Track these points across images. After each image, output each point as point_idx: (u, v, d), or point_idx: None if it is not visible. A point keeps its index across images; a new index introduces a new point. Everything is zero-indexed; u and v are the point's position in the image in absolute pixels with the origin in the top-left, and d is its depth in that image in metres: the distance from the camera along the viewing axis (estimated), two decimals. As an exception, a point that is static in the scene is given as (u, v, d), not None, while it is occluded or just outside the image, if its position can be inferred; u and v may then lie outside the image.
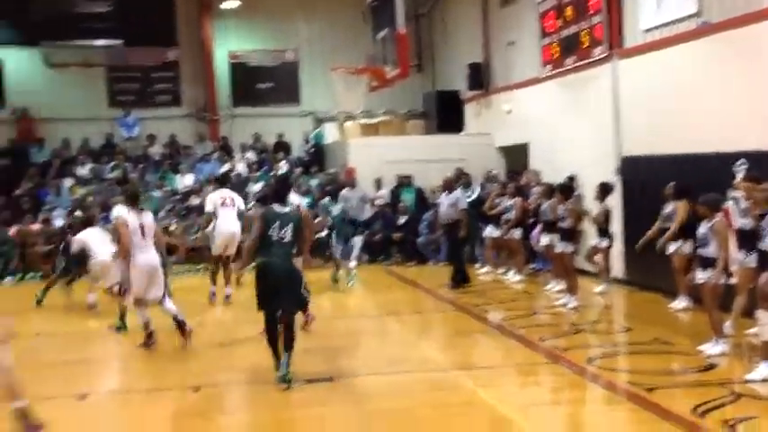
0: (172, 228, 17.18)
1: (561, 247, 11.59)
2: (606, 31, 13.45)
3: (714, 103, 10.80)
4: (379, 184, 18.12)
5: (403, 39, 17.70)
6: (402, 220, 17.42)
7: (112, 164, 19.99)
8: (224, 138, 21.70)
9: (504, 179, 16.27)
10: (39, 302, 12.53)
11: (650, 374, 7.60)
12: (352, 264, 14.53)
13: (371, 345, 10.16)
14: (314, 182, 19.10)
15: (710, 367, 7.83)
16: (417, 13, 21.71)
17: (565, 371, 8.08)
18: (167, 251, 14.89)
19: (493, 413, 6.96)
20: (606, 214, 12.21)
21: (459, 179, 15.25)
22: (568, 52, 14.78)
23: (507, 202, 14.00)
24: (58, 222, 16.63)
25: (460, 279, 13.34)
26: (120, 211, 9.40)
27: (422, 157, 18.01)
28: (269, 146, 21.61)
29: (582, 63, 14.33)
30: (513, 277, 13.87)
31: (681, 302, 10.64)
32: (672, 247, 10.54)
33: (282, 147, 21.51)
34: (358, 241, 14.74)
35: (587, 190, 13.14)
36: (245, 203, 15.77)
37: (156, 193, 18.67)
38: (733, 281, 8.42)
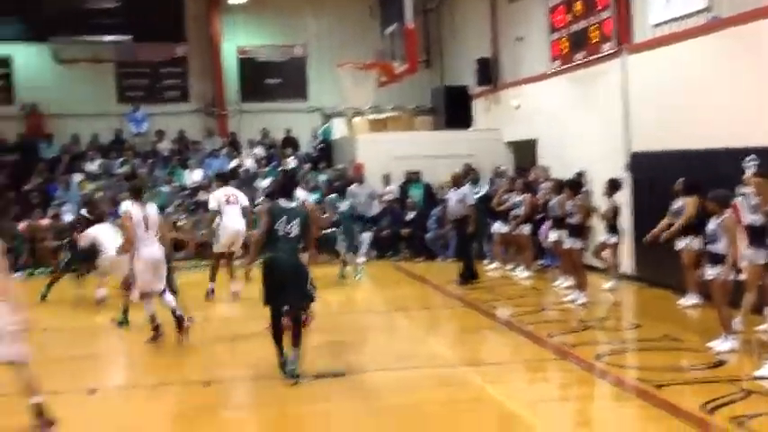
0: (180, 223, 17.23)
1: (570, 243, 11.56)
2: (615, 26, 13.40)
3: (724, 98, 10.75)
4: (387, 179, 18.11)
5: (411, 34, 17.68)
6: (410, 215, 17.41)
7: (121, 159, 20.04)
8: (232, 133, 21.72)
9: (512, 175, 16.24)
10: (43, 298, 12.57)
11: (659, 371, 7.59)
12: (361, 259, 14.55)
13: (380, 340, 10.16)
14: (322, 178, 19.10)
15: (720, 364, 7.80)
16: (425, 7, 21.68)
17: (573, 367, 8.07)
18: (176, 246, 14.98)
19: (501, 409, 6.96)
20: (615, 210, 12.18)
21: (468, 175, 15.24)
22: (577, 47, 14.73)
23: (516, 197, 13.97)
24: (68, 218, 16.68)
25: (468, 275, 13.32)
26: (126, 206, 9.49)
27: (430, 152, 17.98)
28: (277, 141, 21.63)
29: (591, 58, 14.29)
30: (521, 273, 13.84)
31: (690, 299, 10.61)
32: (681, 244, 10.50)
33: (290, 142, 21.52)
34: (366, 237, 14.77)
35: (596, 186, 13.11)
36: (254, 199, 15.83)
37: (165, 189, 18.70)
38: (742, 277, 8.38)
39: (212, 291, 12.35)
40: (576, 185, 11.96)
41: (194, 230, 16.88)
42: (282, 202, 7.97)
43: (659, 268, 11.75)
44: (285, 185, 8.33)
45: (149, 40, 21.13)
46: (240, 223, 12.31)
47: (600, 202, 12.58)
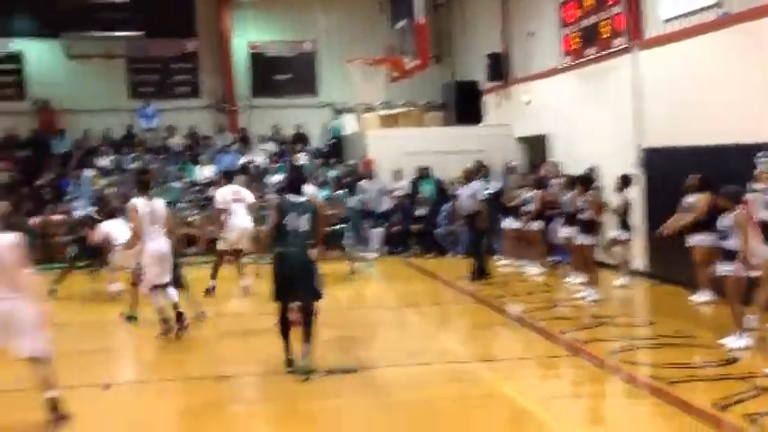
0: (191, 219, 17.27)
1: (581, 239, 11.54)
2: (626, 21, 13.35)
3: (734, 94, 10.71)
4: (397, 175, 18.10)
5: (422, 29, 17.67)
6: (421, 211, 17.40)
7: (132, 155, 20.10)
8: (243, 129, 21.76)
9: (523, 170, 16.22)
10: (51, 293, 12.61)
11: (672, 368, 7.55)
12: (372, 255, 14.55)
13: (391, 336, 10.18)
14: (332, 173, 19.12)
15: (733, 361, 7.77)
16: (436, 2, 21.63)
17: (585, 364, 8.07)
18: (188, 242, 15.00)
19: (513, 405, 6.96)
20: (626, 206, 12.16)
21: (479, 170, 15.23)
22: (588, 43, 14.69)
23: (526, 193, 13.95)
24: (79, 213, 16.74)
25: (480, 272, 13.30)
26: (133, 200, 9.60)
27: (440, 148, 17.96)
28: (287, 137, 21.65)
29: (602, 54, 14.25)
30: (532, 270, 13.82)
31: (702, 295, 10.57)
32: (693, 240, 10.47)
33: (301, 138, 21.55)
34: (377, 233, 14.76)
35: (607, 181, 13.08)
36: (264, 195, 15.84)
37: (177, 185, 18.75)
38: (755, 274, 8.34)
39: (213, 288, 12.22)
40: (587, 181, 11.94)
41: (205, 226, 16.91)
42: (291, 198, 7.98)
43: (672, 264, 11.72)
44: (293, 181, 8.32)
45: (160, 35, 21.21)
46: (246, 220, 12.28)
47: (611, 197, 12.56)
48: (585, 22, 14.74)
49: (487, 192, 14.20)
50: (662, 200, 11.86)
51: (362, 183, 17.62)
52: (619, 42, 13.62)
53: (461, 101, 20.23)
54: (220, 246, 12.42)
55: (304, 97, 22.24)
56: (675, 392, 6.83)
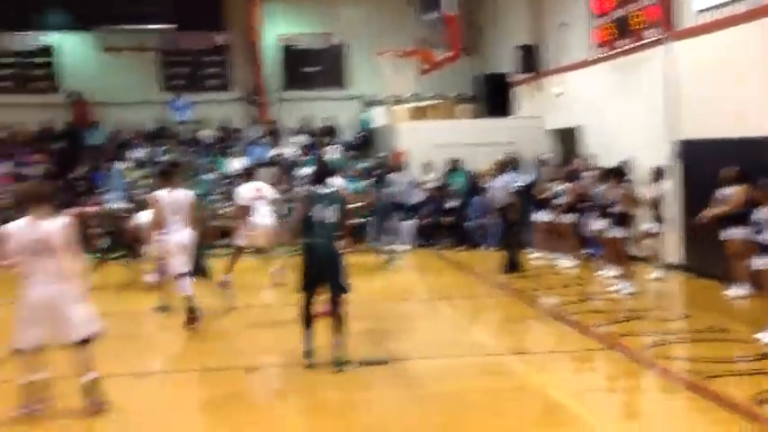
0: (222, 211, 17.35)
1: (613, 232, 11.46)
2: (659, 12, 13.19)
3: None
4: (427, 168, 18.07)
5: (453, 21, 17.62)
6: (452, 204, 17.36)
7: (164, 148, 20.25)
8: (273, 121, 21.83)
9: (555, 163, 16.12)
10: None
11: (708, 362, 7.49)
12: (402, 247, 14.52)
13: (422, 328, 10.16)
14: (362, 166, 19.13)
15: (768, 355, 7.69)
16: (466, -6, 21.56)
17: (620, 357, 8.01)
18: (221, 234, 15.04)
19: (546, 398, 6.92)
20: (659, 198, 12.04)
21: (510, 163, 15.15)
22: (620, 34, 14.55)
23: (558, 186, 13.87)
24: (113, 205, 16.91)
25: (511, 265, 13.25)
26: (156, 191, 9.72)
27: (470, 140, 17.89)
28: (317, 130, 21.70)
29: (634, 45, 14.10)
30: (565, 263, 13.74)
31: (738, 289, 10.45)
32: (727, 233, 10.36)
33: (330, 131, 21.60)
34: (408, 225, 14.73)
35: (639, 174, 12.96)
36: (293, 187, 15.87)
37: (208, 177, 18.85)
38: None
39: (227, 281, 11.89)
40: (619, 174, 11.85)
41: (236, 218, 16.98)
42: (318, 189, 7.99)
43: (708, 258, 11.59)
44: (320, 172, 8.32)
45: (191, 28, 21.35)
46: (267, 218, 12.21)
47: (644, 190, 12.44)
48: (617, 14, 14.59)
49: (518, 184, 14.14)
50: (697, 192, 11.74)
51: (392, 175, 17.61)
52: (651, 33, 13.47)
53: (491, 93, 20.17)
54: (239, 242, 12.38)
55: (333, 90, 22.28)
56: (711, 387, 6.77)
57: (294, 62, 22.30)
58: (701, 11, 12.21)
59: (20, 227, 6.45)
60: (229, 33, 21.98)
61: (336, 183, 9.15)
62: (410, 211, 17.36)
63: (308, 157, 19.83)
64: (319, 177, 8.17)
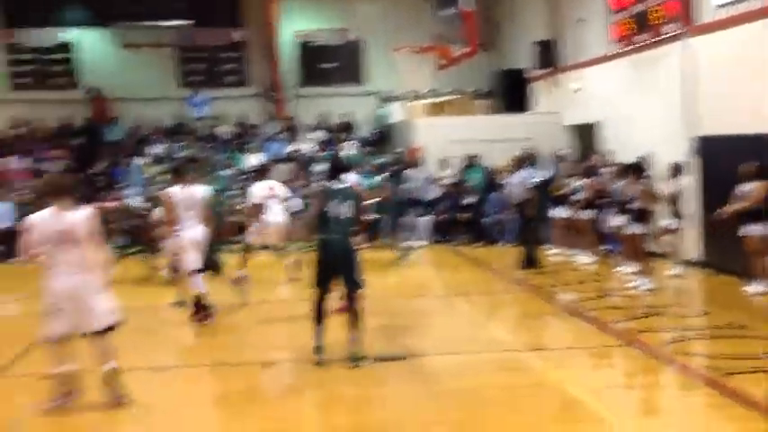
0: (240, 207, 17.40)
1: (632, 228, 11.41)
2: (678, 7, 13.09)
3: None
4: (444, 163, 18.05)
5: (470, 16, 17.57)
6: (469, 200, 17.34)
7: (182, 143, 20.33)
8: (290, 117, 21.87)
9: (573, 159, 16.06)
10: None
11: (727, 359, 7.44)
12: (419, 243, 14.50)
13: (439, 325, 10.16)
14: (379, 161, 19.13)
15: (789, 352, 7.64)
16: (484, -10, 21.50)
17: (638, 354, 7.98)
18: (238, 230, 15.06)
19: (563, 395, 6.89)
20: (677, 195, 11.97)
21: (528, 159, 15.11)
22: (639, 29, 14.45)
23: (576, 182, 13.81)
24: (132, 201, 17.01)
25: (529, 261, 13.22)
26: (169, 188, 9.76)
27: (487, 136, 17.86)
28: (334, 126, 21.72)
29: (652, 40, 14.01)
30: (583, 259, 13.69)
31: (757, 286, 10.38)
32: (746, 230, 10.29)
33: (347, 127, 21.61)
34: (425, 221, 14.71)
35: (657, 170, 12.88)
36: (310, 183, 15.89)
37: (225, 173, 18.92)
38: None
39: (241, 278, 11.95)
40: (638, 170, 11.78)
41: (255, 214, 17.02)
42: (333, 184, 7.99)
43: (727, 254, 11.50)
44: (334, 168, 8.31)
45: (209, 25, 21.44)
46: (281, 216, 12.23)
47: (662, 186, 12.37)
48: (636, 9, 14.51)
49: (536, 180, 14.09)
50: (716, 188, 11.67)
51: (409, 171, 17.61)
52: (670, 29, 13.38)
53: (509, 89, 20.12)
54: (250, 239, 12.41)
55: (350, 86, 22.29)
56: (730, 384, 6.73)
57: (311, 58, 22.33)
58: (720, 6, 12.11)
59: (43, 218, 6.52)
60: (247, 30, 22.04)
61: (350, 179, 9.13)
62: (427, 207, 17.35)
63: (324, 153, 19.86)
64: (333, 173, 8.18)
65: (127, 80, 20.99)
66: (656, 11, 13.78)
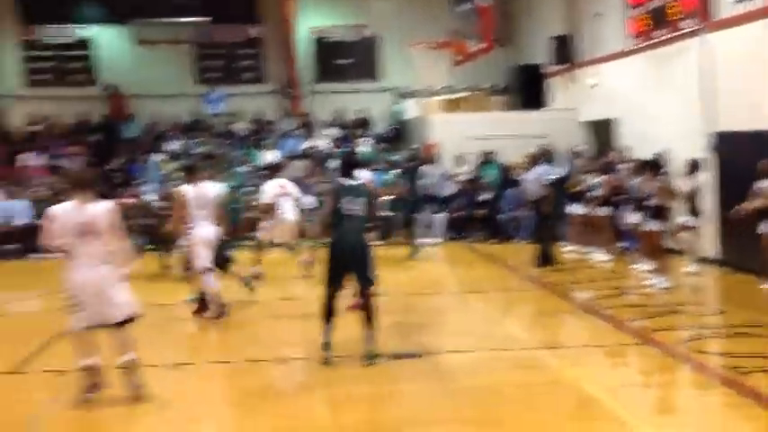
0: (256, 203, 17.44)
1: (649, 225, 11.34)
2: (696, 2, 12.99)
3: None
4: (459, 160, 18.02)
5: (486, 11, 17.51)
6: (485, 196, 17.30)
7: (198, 140, 20.40)
8: (306, 114, 21.90)
9: (590, 155, 15.99)
10: None
11: (744, 357, 7.39)
12: (434, 240, 14.47)
13: (455, 322, 10.15)
14: (394, 158, 19.12)
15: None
16: (500, -15, 21.42)
17: (655, 352, 7.93)
18: (254, 226, 15.07)
19: (579, 393, 6.87)
20: (695, 191, 11.90)
21: (543, 155, 15.05)
22: (656, 24, 14.36)
23: (593, 179, 13.75)
24: (149, 197, 17.07)
25: (545, 258, 13.18)
26: (181, 187, 9.81)
27: (503, 132, 17.80)
28: (350, 122, 21.73)
29: (670, 36, 13.92)
30: (599, 256, 13.63)
31: (773, 283, 10.32)
32: (763, 227, 10.21)
33: (363, 123, 21.61)
34: (440, 218, 14.68)
35: (675, 166, 12.81)
36: (325, 179, 15.89)
37: (242, 169, 18.96)
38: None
39: (256, 273, 12.07)
40: (655, 167, 11.71)
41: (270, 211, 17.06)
42: (346, 182, 7.98)
43: (745, 252, 11.41)
44: (347, 165, 8.28)
45: (225, 21, 21.49)
46: (294, 214, 12.26)
47: (680, 182, 12.30)
48: (653, 4, 14.41)
49: (552, 177, 14.04)
50: (733, 185, 11.58)
51: (425, 167, 17.58)
52: (687, 24, 13.28)
53: (525, 85, 20.01)
54: (261, 236, 12.44)
55: (366, 82, 22.27)
56: (747, 383, 6.69)
57: (327, 54, 22.34)
58: (738, 1, 12.01)
59: (65, 210, 6.59)
60: (263, 26, 22.08)
61: (363, 175, 9.13)
62: (442, 203, 17.32)
63: (340, 150, 19.87)
64: (346, 170, 8.18)
65: (144, 77, 21.06)
66: (674, 6, 13.68)
